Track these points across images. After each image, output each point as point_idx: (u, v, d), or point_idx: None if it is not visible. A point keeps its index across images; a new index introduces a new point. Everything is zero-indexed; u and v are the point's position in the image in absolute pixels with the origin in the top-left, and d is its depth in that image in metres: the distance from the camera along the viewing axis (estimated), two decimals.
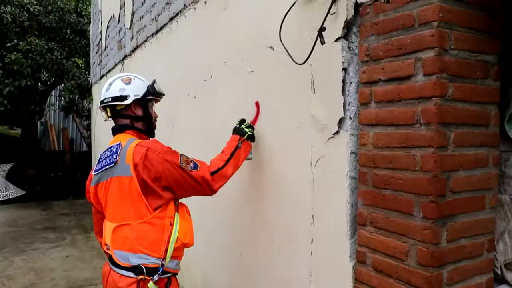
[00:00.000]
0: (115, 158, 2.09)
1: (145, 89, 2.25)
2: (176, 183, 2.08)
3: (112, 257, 2.11)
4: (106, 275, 2.18)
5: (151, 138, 2.32)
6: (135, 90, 2.22)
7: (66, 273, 5.14)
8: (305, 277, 2.09)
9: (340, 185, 1.84)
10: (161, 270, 2.05)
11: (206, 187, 2.15)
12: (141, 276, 2.01)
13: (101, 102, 2.25)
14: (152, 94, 2.27)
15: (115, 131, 2.27)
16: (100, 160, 2.20)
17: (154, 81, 2.32)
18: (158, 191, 2.05)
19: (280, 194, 2.29)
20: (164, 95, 2.39)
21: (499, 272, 1.75)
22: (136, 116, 2.25)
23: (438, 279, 1.49)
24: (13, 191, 9.73)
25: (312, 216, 2.02)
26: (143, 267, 2.02)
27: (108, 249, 2.15)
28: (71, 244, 6.37)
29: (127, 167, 2.04)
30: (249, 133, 2.40)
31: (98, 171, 2.18)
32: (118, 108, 2.22)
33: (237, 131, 2.43)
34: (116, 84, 2.23)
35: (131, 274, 2.04)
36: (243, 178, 2.67)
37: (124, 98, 2.19)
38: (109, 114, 2.27)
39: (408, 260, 1.55)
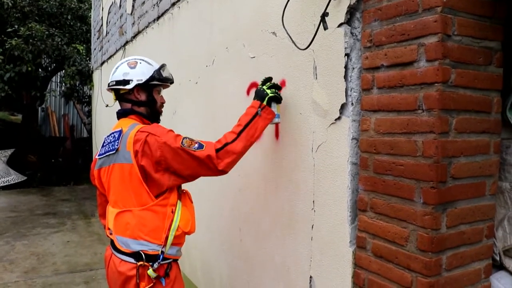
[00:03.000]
0: (117, 145, 2.08)
1: (150, 74, 2.20)
2: (178, 164, 2.02)
3: (114, 242, 2.14)
4: (107, 259, 2.21)
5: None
6: (139, 75, 2.18)
7: (67, 257, 5.19)
8: (305, 262, 2.10)
9: (341, 170, 1.85)
10: (161, 257, 2.06)
11: (211, 166, 2.01)
12: (140, 262, 2.03)
13: (108, 84, 2.25)
14: (157, 79, 2.22)
15: (119, 115, 2.26)
16: (104, 144, 2.20)
17: (162, 66, 2.26)
18: (159, 177, 2.03)
19: (281, 179, 2.30)
20: (172, 81, 2.33)
21: (498, 258, 1.76)
22: (139, 101, 2.22)
23: (437, 264, 1.50)
24: (14, 177, 9.78)
25: (313, 201, 2.03)
26: (143, 254, 2.04)
27: (111, 234, 2.17)
28: (71, 230, 6.42)
29: (128, 154, 2.04)
30: (270, 94, 2.13)
31: (102, 156, 2.19)
32: (122, 92, 2.21)
33: (258, 94, 2.17)
34: (122, 67, 2.22)
35: (131, 260, 2.06)
36: (244, 163, 2.68)
37: (126, 82, 2.17)
38: (114, 98, 2.28)
39: (408, 245, 1.56)
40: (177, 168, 2.04)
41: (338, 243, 1.88)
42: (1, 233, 6.16)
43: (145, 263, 2.04)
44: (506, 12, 1.63)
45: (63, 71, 10.44)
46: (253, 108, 2.13)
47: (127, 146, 2.05)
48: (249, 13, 2.59)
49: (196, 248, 3.57)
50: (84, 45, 10.71)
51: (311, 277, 2.07)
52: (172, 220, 2.08)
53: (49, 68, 11.50)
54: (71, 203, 8.34)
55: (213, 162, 1.99)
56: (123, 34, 6.37)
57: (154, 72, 2.21)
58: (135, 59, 2.25)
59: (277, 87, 2.21)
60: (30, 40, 8.89)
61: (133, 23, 5.67)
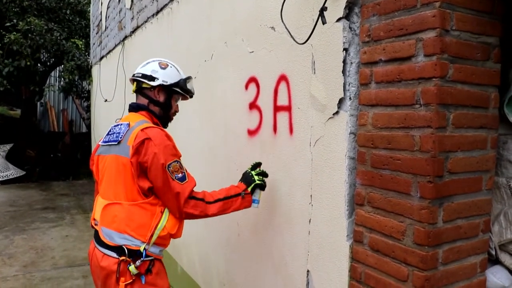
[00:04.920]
0: (120, 137, 2.12)
1: (176, 80, 2.28)
2: (154, 177, 2.05)
3: (98, 234, 2.14)
4: (91, 253, 2.22)
5: (164, 128, 2.31)
6: (166, 77, 2.26)
7: (66, 252, 5.20)
8: (303, 256, 2.11)
9: (338, 165, 1.86)
10: (144, 254, 2.05)
11: (175, 204, 2.05)
12: (122, 258, 2.03)
13: (133, 75, 2.31)
14: (180, 87, 2.30)
15: (132, 108, 2.31)
16: (109, 133, 2.23)
17: (188, 78, 2.34)
18: (139, 178, 2.06)
19: (279, 173, 2.31)
20: (193, 95, 2.41)
21: (493, 253, 1.77)
22: (156, 101, 2.28)
23: (434, 258, 1.51)
24: (13, 172, 9.78)
25: (311, 196, 2.04)
26: (125, 249, 2.04)
27: (96, 224, 2.18)
28: (70, 224, 6.43)
29: (127, 149, 2.06)
30: (257, 182, 2.25)
31: (105, 144, 2.22)
32: (144, 86, 2.27)
33: (245, 178, 2.29)
34: (152, 64, 2.29)
35: (114, 254, 2.06)
36: (242, 158, 2.68)
37: (152, 79, 2.24)
38: (133, 89, 2.32)
39: (404, 239, 1.57)
40: (152, 180, 2.07)
41: (335, 237, 1.89)
42: (0, 227, 6.17)
43: (127, 259, 2.03)
44: (504, 8, 1.63)
45: (62, 66, 10.42)
46: (238, 189, 2.23)
47: (129, 140, 2.07)
48: (248, 7, 2.58)
49: (194, 242, 3.58)
50: (83, 40, 10.69)
51: (308, 271, 2.08)
52: (159, 220, 2.08)
53: (48, 63, 11.46)
54: (70, 197, 8.35)
55: (180, 201, 2.04)
56: (122, 29, 6.36)
57: (180, 79, 2.30)
58: (167, 62, 2.33)
59: (265, 175, 2.32)
60: (29, 35, 8.86)
61: (132, 18, 5.66)
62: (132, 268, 2.02)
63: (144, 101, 2.29)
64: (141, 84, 2.27)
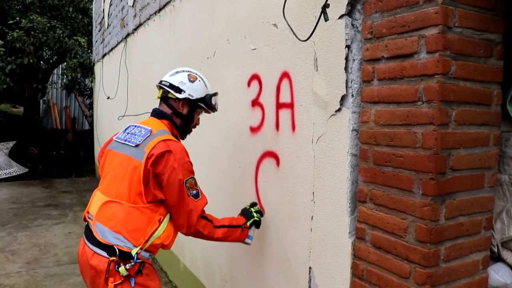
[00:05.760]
0: (139, 141, 2.12)
1: (202, 96, 2.32)
2: (168, 191, 2.06)
3: (89, 230, 2.12)
4: (80, 250, 2.19)
5: (181, 140, 2.33)
6: (193, 90, 2.28)
7: (69, 249, 5.21)
8: (305, 254, 2.12)
9: (341, 162, 1.86)
10: (135, 257, 2.03)
11: (186, 220, 2.10)
12: (113, 258, 2.01)
13: (160, 81, 2.33)
14: (205, 103, 2.33)
15: (155, 114, 2.32)
16: (127, 131, 2.24)
17: (214, 94, 2.38)
18: (152, 186, 2.05)
19: (281, 171, 2.31)
20: (216, 111, 2.44)
21: (496, 250, 1.77)
22: (179, 113, 2.31)
23: (436, 255, 1.51)
24: (15, 169, 9.80)
25: (313, 193, 2.04)
26: (117, 249, 2.02)
27: (90, 218, 2.16)
28: (73, 221, 6.44)
29: (143, 154, 2.06)
30: (255, 218, 2.36)
31: (120, 141, 2.22)
32: (169, 96, 2.28)
33: (245, 213, 2.39)
34: (182, 75, 2.31)
35: (104, 254, 2.03)
36: (244, 155, 2.69)
37: (179, 90, 2.27)
38: (158, 95, 2.34)
39: (406, 236, 1.57)
40: (166, 193, 2.08)
41: (337, 234, 1.89)
42: (4, 224, 6.19)
43: (117, 259, 2.01)
44: (507, 5, 1.63)
45: (65, 63, 10.43)
46: (239, 221, 2.32)
47: (147, 146, 2.08)
48: (250, 4, 2.58)
49: (197, 239, 3.58)
50: (86, 38, 10.70)
51: (310, 268, 2.08)
52: (156, 228, 2.07)
53: (51, 61, 11.49)
54: (73, 195, 8.37)
55: (192, 218, 2.10)
56: (124, 26, 6.36)
57: (206, 95, 2.34)
58: (196, 74, 2.35)
59: (261, 213, 2.43)
60: (32, 32, 8.87)
61: (135, 15, 5.66)
62: (122, 269, 1.99)
63: (168, 110, 2.31)
64: (167, 93, 2.29)
